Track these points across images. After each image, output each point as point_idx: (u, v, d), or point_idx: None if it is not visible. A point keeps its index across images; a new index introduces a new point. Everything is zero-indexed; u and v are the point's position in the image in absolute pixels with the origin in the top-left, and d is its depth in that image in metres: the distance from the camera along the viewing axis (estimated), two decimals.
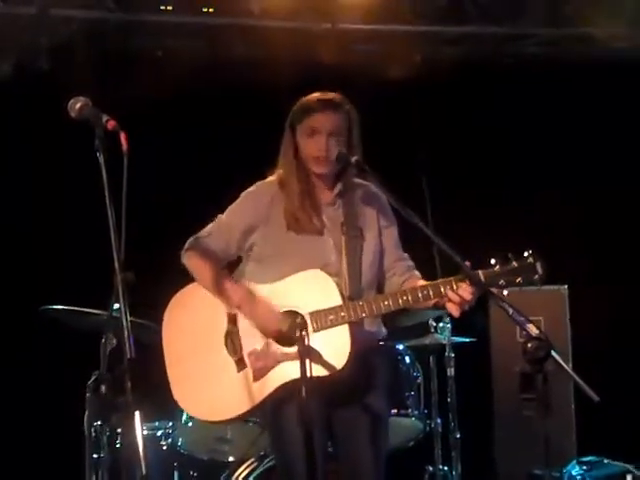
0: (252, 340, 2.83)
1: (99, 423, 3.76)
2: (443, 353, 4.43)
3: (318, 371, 2.69)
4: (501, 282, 2.72)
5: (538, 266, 2.71)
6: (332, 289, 2.78)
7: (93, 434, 3.66)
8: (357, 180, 2.98)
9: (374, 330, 2.93)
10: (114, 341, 3.85)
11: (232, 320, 2.88)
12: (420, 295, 2.74)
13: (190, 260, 2.94)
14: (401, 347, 3.96)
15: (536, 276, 2.72)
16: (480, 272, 2.71)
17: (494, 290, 2.70)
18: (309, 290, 2.80)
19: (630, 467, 4.37)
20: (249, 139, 4.94)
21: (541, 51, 5.43)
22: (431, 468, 4.39)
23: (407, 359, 3.92)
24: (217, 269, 2.91)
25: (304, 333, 2.59)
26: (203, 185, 4.90)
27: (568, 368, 2.72)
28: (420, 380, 4.00)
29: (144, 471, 1.95)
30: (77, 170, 4.72)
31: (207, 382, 2.86)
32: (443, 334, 4.33)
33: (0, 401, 4.69)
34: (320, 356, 2.71)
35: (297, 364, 2.68)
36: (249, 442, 3.75)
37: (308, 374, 2.60)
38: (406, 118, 5.14)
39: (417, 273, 3.01)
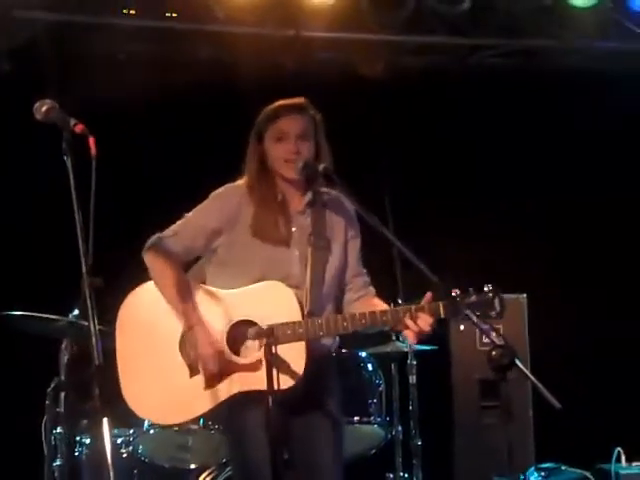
0: (195, 356, 2.80)
1: (58, 430, 3.71)
2: (404, 360, 4.45)
3: (274, 384, 2.66)
4: (459, 316, 2.74)
5: (496, 303, 2.75)
6: (292, 303, 2.77)
7: (52, 441, 3.61)
8: (325, 189, 2.97)
9: (329, 343, 2.93)
10: (74, 347, 3.84)
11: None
12: (379, 320, 2.75)
13: (152, 261, 2.88)
14: (364, 354, 3.97)
15: (493, 312, 2.75)
16: (440, 304, 2.72)
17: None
18: (269, 302, 2.78)
19: (587, 473, 4.45)
20: (214, 142, 4.94)
21: (502, 62, 5.51)
22: (392, 475, 4.40)
23: (369, 366, 3.94)
24: (178, 280, 2.85)
25: (271, 340, 2.56)
26: (165, 188, 4.86)
27: (530, 375, 2.75)
28: (382, 387, 4.01)
29: (111, 477, 1.92)
30: (40, 173, 4.70)
31: (158, 384, 2.82)
32: (405, 342, 4.34)
33: None
34: (276, 370, 2.67)
35: (249, 375, 2.71)
36: (210, 450, 3.74)
37: (266, 385, 2.59)
38: (368, 126, 5.16)
39: (372, 290, 3.01)
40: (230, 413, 2.82)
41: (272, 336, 2.60)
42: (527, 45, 5.41)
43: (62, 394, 3.74)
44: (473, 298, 2.73)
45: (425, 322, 2.71)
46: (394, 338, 4.42)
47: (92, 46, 5.07)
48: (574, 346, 5.17)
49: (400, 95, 5.25)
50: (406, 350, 4.39)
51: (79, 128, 2.25)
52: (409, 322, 2.71)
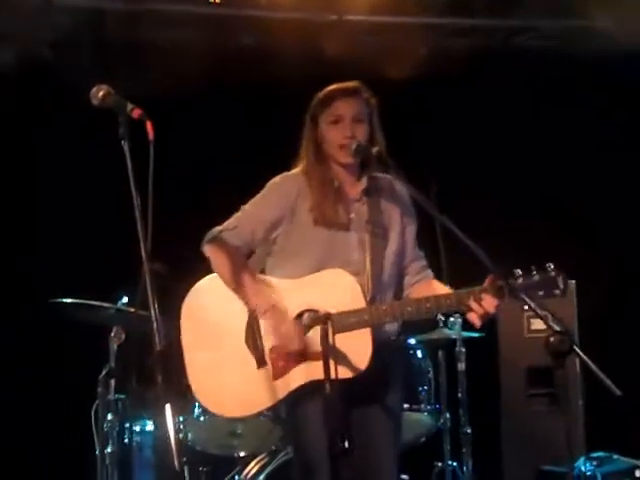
0: (273, 337, 2.79)
1: (109, 417, 3.73)
2: (451, 348, 4.40)
3: (341, 373, 2.63)
4: (523, 296, 2.67)
5: (560, 280, 2.71)
6: (356, 290, 2.75)
7: (104, 429, 3.62)
8: (380, 174, 2.95)
9: (391, 330, 2.91)
10: (122, 335, 3.86)
11: (253, 314, 2.83)
12: (443, 303, 2.73)
13: (213, 254, 2.87)
14: (413, 341, 3.93)
15: (557, 290, 2.71)
16: (504, 284, 2.67)
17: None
18: (332, 290, 2.76)
19: (639, 462, 4.35)
20: (258, 130, 4.91)
21: (542, 44, 5.38)
22: (440, 464, 4.37)
23: (419, 353, 3.90)
24: (241, 269, 2.84)
25: (328, 328, 2.53)
26: (218, 178, 4.86)
27: (590, 362, 2.69)
28: (431, 375, 3.97)
29: (177, 465, 1.90)
30: (86, 159, 4.73)
31: (226, 377, 2.82)
32: (453, 328, 4.30)
33: (8, 396, 4.63)
34: (341, 358, 2.66)
35: (318, 364, 2.63)
36: (261, 437, 3.73)
37: (332, 373, 2.55)
38: (411, 111, 5.11)
39: (430, 273, 3.01)
40: (294, 401, 2.80)
41: (328, 322, 2.56)
42: (569, 26, 5.29)
43: (112, 381, 3.76)
44: (536, 277, 2.69)
45: (490, 304, 2.68)
46: (441, 325, 4.39)
47: (134, 33, 5.07)
48: (624, 333, 5.07)
49: (443, 78, 5.17)
50: (454, 337, 4.35)
51: (136, 113, 2.22)
52: (474, 304, 2.69)
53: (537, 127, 5.28)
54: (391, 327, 2.90)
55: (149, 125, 2.20)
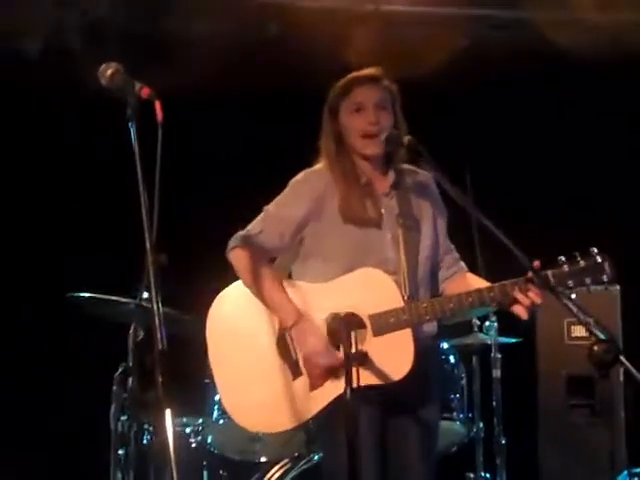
0: (306, 353, 2.62)
1: (126, 417, 3.59)
2: (486, 353, 4.20)
3: (377, 379, 2.51)
4: (569, 283, 2.55)
5: (606, 265, 2.57)
6: (392, 289, 2.59)
7: (120, 429, 3.49)
8: (406, 166, 2.79)
9: (430, 329, 2.73)
10: (141, 332, 3.71)
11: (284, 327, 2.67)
12: (486, 297, 2.57)
13: (239, 261, 2.70)
14: (446, 346, 3.73)
15: (604, 276, 2.57)
16: (549, 272, 2.53)
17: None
18: (367, 290, 2.60)
19: None
20: (285, 124, 4.75)
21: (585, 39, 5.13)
22: (472, 475, 4.16)
23: (452, 359, 3.70)
24: (267, 277, 2.67)
25: (353, 334, 2.35)
26: (237, 171, 4.70)
27: (636, 372, 2.48)
28: (464, 382, 3.77)
29: (174, 474, 1.74)
30: (103, 150, 4.61)
31: (260, 391, 2.65)
32: (489, 333, 4.09)
33: (24, 393, 4.54)
34: (381, 362, 2.52)
35: (359, 372, 2.47)
36: (283, 443, 3.57)
37: (363, 382, 2.42)
38: (450, 106, 4.92)
39: (464, 265, 2.87)
40: (326, 413, 2.63)
41: (351, 321, 2.38)
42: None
43: (129, 380, 3.62)
44: (581, 263, 2.54)
45: (536, 294, 2.53)
46: (476, 329, 4.18)
47: (156, 24, 4.95)
48: None
49: (483, 70, 4.96)
50: (489, 342, 4.14)
51: (145, 92, 2.07)
52: (519, 296, 2.53)
53: (572, 121, 5.04)
54: (429, 327, 2.73)
55: (158, 105, 2.05)
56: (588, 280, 2.54)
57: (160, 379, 1.75)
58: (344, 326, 2.40)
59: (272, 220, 2.71)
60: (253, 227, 2.72)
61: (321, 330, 2.61)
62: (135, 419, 3.53)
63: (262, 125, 4.86)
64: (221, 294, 2.74)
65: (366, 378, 2.51)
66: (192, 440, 3.82)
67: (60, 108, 4.67)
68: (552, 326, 4.60)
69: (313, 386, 2.60)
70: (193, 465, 3.78)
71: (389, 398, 2.58)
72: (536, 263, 2.51)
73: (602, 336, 2.46)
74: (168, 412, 1.76)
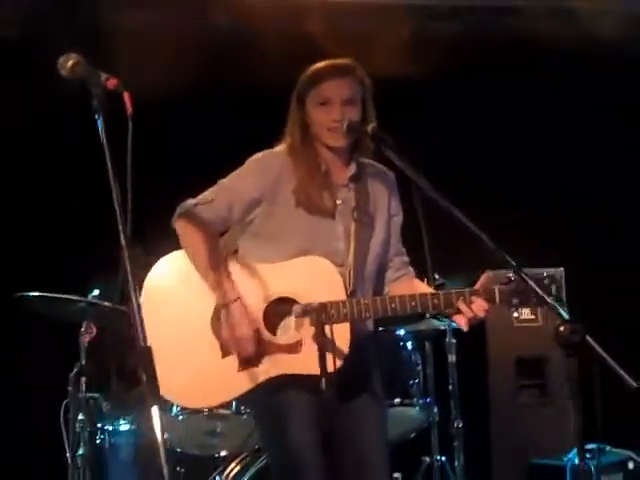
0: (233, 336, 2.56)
1: (80, 417, 3.52)
2: (439, 339, 4.24)
3: (310, 369, 2.45)
4: (515, 301, 2.57)
5: (553, 288, 2.55)
6: (337, 281, 2.56)
7: (78, 429, 3.41)
8: (366, 160, 2.76)
9: (369, 323, 2.73)
10: (94, 330, 3.64)
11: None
12: (430, 303, 2.54)
13: (183, 229, 2.63)
14: (402, 332, 3.76)
15: (550, 297, 2.52)
16: (496, 288, 2.54)
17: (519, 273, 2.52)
18: (312, 278, 2.55)
19: (632, 454, 4.24)
20: (234, 113, 4.70)
21: (540, 25, 5.18)
22: (428, 459, 4.21)
23: (409, 345, 3.72)
24: (212, 250, 2.61)
25: (323, 318, 2.34)
26: (194, 162, 4.63)
27: (603, 352, 2.54)
28: (420, 367, 3.81)
29: (165, 472, 1.70)
30: (45, 142, 4.48)
31: (187, 364, 2.57)
32: (442, 320, 4.13)
33: None
34: (313, 353, 2.45)
35: (287, 357, 2.51)
36: (242, 436, 3.52)
37: (317, 367, 2.38)
38: (395, 98, 4.92)
39: (411, 270, 2.83)
40: (269, 396, 2.60)
41: (324, 313, 2.37)
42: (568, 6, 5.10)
43: (83, 379, 3.55)
44: (531, 283, 2.49)
45: (480, 307, 2.51)
46: (429, 316, 4.22)
47: (101, 14, 4.83)
48: (613, 321, 4.95)
49: (427, 64, 4.98)
50: (442, 328, 4.18)
51: (112, 83, 2.00)
52: (462, 307, 2.51)
53: (529, 113, 5.11)
54: (367, 324, 2.71)
55: (127, 97, 1.98)
56: (533, 299, 2.54)
57: (145, 377, 1.70)
58: (316, 316, 2.37)
59: (224, 192, 2.66)
60: (204, 196, 2.66)
61: (255, 315, 2.56)
62: (118, 418, 3.46)
63: (216, 119, 4.79)
64: (159, 262, 2.65)
65: (296, 367, 2.51)
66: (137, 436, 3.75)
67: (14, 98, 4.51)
68: (500, 309, 4.66)
69: (241, 367, 2.56)
70: (150, 462, 3.72)
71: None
72: (484, 278, 2.53)
73: (567, 317, 2.50)
74: (155, 409, 1.72)
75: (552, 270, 4.71)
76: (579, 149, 5.09)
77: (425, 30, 5.05)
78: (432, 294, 2.56)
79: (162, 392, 2.51)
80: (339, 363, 2.49)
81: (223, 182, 2.69)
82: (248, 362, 2.56)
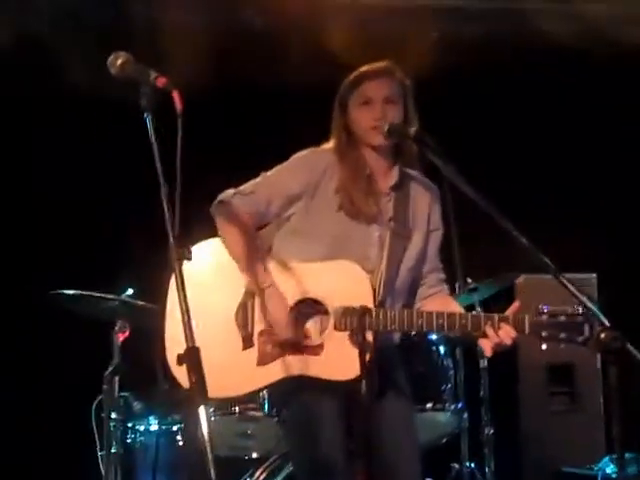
0: (266, 320, 2.56)
1: (113, 416, 3.53)
2: (471, 344, 4.20)
3: (326, 373, 2.47)
4: (544, 334, 2.52)
5: (586, 328, 2.52)
6: (366, 288, 2.53)
7: (112, 427, 3.42)
8: (412, 171, 2.75)
9: (394, 339, 2.71)
10: (127, 329, 3.65)
11: (250, 291, 2.60)
12: (457, 323, 2.50)
13: (222, 218, 2.63)
14: (434, 337, 3.73)
15: (581, 337, 2.52)
16: (526, 317, 2.50)
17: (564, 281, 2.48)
18: (341, 282, 2.54)
19: None
20: (265, 114, 4.71)
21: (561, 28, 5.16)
22: (457, 466, 4.17)
23: (441, 349, 3.69)
24: (249, 240, 2.61)
25: (365, 321, 2.32)
26: (222, 163, 4.63)
27: None
28: (452, 373, 3.78)
29: (212, 475, 1.69)
30: (83, 145, 4.51)
31: (206, 353, 2.54)
32: None
33: (6, 393, 4.42)
34: (333, 358, 2.47)
35: (307, 359, 2.49)
36: (273, 438, 3.52)
37: (311, 372, 2.41)
38: (424, 101, 4.91)
39: (446, 288, 2.80)
40: (295, 398, 2.58)
41: (366, 317, 2.35)
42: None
43: (116, 378, 3.55)
44: (562, 318, 2.51)
45: (507, 334, 2.48)
46: None
47: (129, 13, 4.85)
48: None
49: (456, 65, 4.96)
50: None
51: (161, 82, 2.01)
52: (489, 331, 2.48)
53: (556, 114, 5.08)
54: (393, 336, 2.70)
55: (176, 95, 1.98)
56: (563, 335, 2.50)
57: (192, 377, 1.70)
58: (358, 319, 2.36)
59: (266, 185, 2.65)
60: (245, 187, 2.66)
61: (287, 303, 2.55)
62: (163, 419, 3.46)
63: (245, 120, 4.80)
64: (197, 245, 2.64)
65: (315, 370, 2.50)
66: (179, 438, 3.76)
67: (42, 99, 4.54)
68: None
69: (260, 362, 2.55)
70: (181, 463, 3.73)
71: (352, 390, 2.48)
72: (515, 305, 2.50)
73: (607, 323, 2.47)
74: (202, 409, 1.72)
75: (584, 275, 4.73)
76: (611, 152, 5.06)
77: (450, 32, 5.05)
78: (460, 315, 2.53)
79: (177, 377, 2.48)
80: (352, 375, 2.44)
81: (266, 175, 2.69)
82: (268, 357, 2.54)
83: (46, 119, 4.58)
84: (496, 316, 2.49)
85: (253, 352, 2.55)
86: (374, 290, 2.55)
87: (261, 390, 2.62)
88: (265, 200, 2.64)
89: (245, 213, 2.62)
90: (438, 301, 2.71)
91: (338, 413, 2.55)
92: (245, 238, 2.61)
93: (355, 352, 2.41)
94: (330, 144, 2.72)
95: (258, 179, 2.68)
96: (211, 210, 2.67)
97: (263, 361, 2.55)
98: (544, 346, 2.55)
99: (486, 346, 2.52)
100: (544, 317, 2.51)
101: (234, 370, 2.55)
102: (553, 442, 4.53)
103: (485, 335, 2.50)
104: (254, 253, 2.60)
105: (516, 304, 2.53)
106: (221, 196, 2.67)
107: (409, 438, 2.69)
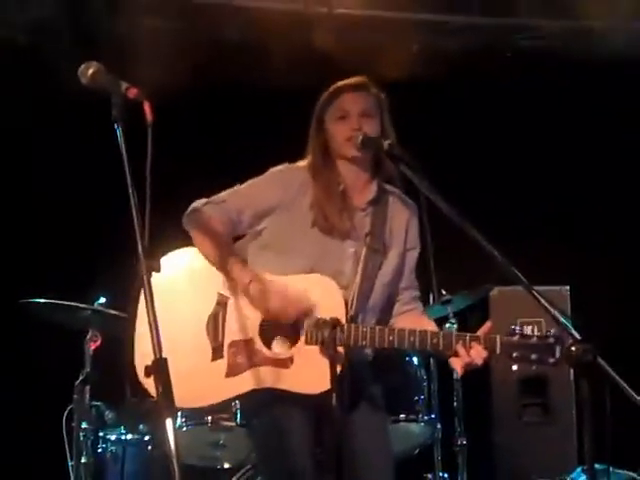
0: (237, 331, 2.55)
1: (84, 426, 3.50)
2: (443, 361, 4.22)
3: (301, 387, 2.46)
4: (515, 354, 2.50)
5: (557, 350, 2.52)
6: (339, 303, 2.52)
7: (82, 437, 3.39)
8: (391, 188, 2.75)
9: (367, 352, 2.69)
10: (99, 338, 3.63)
11: (222, 302, 2.59)
12: (428, 341, 2.49)
13: (195, 226, 2.63)
14: None
15: (552, 359, 2.51)
16: (497, 337, 2.50)
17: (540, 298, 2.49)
18: (314, 297, 2.53)
19: (636, 475, 4.21)
20: (239, 124, 4.71)
21: (543, 44, 5.23)
22: (430, 476, 4.18)
23: (415, 360, 3.70)
24: (227, 242, 2.62)
25: (335, 334, 2.32)
26: (199, 173, 4.62)
27: (613, 373, 2.53)
28: (426, 383, 3.79)
29: None
30: (51, 151, 4.48)
31: (176, 363, 2.52)
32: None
33: None
34: (302, 371, 2.46)
35: (276, 372, 2.49)
36: (246, 448, 3.50)
37: (281, 385, 2.41)
38: (400, 112, 4.92)
39: (420, 306, 2.81)
40: (265, 410, 2.56)
41: (337, 329, 2.35)
42: (567, 27, 5.15)
43: (87, 387, 3.53)
44: (534, 340, 2.50)
45: (478, 354, 2.47)
46: None
47: (111, 20, 4.84)
48: (620, 339, 4.94)
49: (434, 78, 4.99)
50: None
51: (132, 92, 2.00)
52: (461, 350, 2.47)
53: (532, 129, 5.13)
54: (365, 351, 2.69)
55: (147, 106, 1.98)
56: (534, 357, 2.49)
57: (160, 389, 1.69)
58: (329, 331, 2.36)
59: (238, 195, 2.66)
60: (217, 197, 2.67)
61: (251, 323, 2.55)
62: (131, 429, 3.43)
63: (224, 129, 4.80)
64: (164, 257, 2.63)
65: (285, 383, 2.49)
66: (150, 447, 3.73)
67: (23, 104, 4.51)
68: (504, 326, 4.65)
69: (229, 373, 2.54)
70: (152, 474, 3.70)
71: (320, 406, 2.48)
72: (486, 326, 2.50)
73: (578, 337, 2.49)
74: (169, 421, 1.71)
75: (557, 288, 4.76)
76: (584, 166, 5.11)
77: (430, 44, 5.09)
78: (432, 333, 2.51)
79: (145, 384, 2.45)
80: (322, 389, 2.42)
81: (239, 187, 2.69)
82: (236, 369, 2.53)
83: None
84: (467, 335, 2.49)
85: (222, 363, 2.55)
86: (346, 304, 2.54)
87: (230, 401, 2.61)
88: (236, 209, 2.64)
89: (217, 221, 2.62)
90: (411, 318, 2.71)
91: (308, 423, 2.54)
92: (220, 241, 2.60)
93: (325, 366, 2.39)
94: (305, 162, 2.72)
95: (231, 190, 2.69)
96: (183, 219, 2.66)
97: (232, 372, 2.54)
98: (515, 367, 2.54)
99: (457, 365, 2.51)
100: (515, 338, 2.50)
101: (203, 380, 2.54)
102: (526, 453, 4.55)
103: (457, 354, 2.49)
104: (231, 253, 2.59)
105: (488, 324, 2.53)
106: (193, 205, 2.67)
107: (381, 453, 2.68)
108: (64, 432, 3.66)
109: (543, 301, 2.49)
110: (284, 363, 2.51)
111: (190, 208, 2.67)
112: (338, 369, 2.41)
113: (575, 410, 4.65)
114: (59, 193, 4.56)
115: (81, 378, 3.45)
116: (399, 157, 2.55)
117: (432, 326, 2.64)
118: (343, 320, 2.49)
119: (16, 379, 4.44)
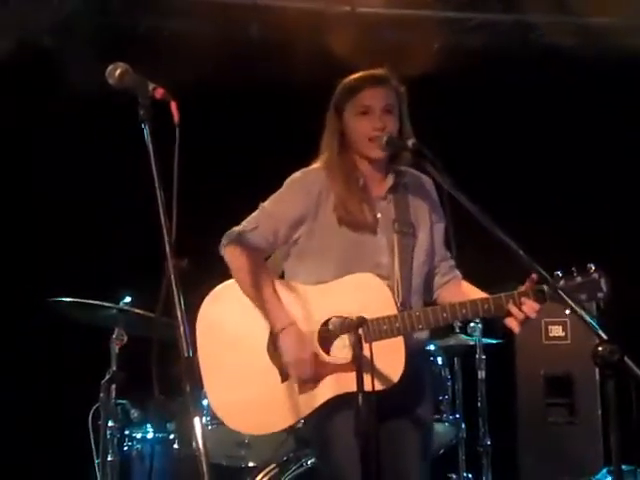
0: (286, 360, 2.58)
1: (110, 424, 3.52)
2: (467, 355, 4.21)
3: (367, 385, 2.43)
4: (565, 299, 2.45)
5: (603, 283, 2.52)
6: (386, 296, 2.55)
7: (108, 435, 3.41)
8: (405, 168, 2.74)
9: (423, 336, 2.71)
10: (124, 337, 3.64)
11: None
12: (480, 308, 2.52)
13: (232, 258, 2.65)
14: (432, 347, 3.72)
15: (600, 294, 2.52)
16: (545, 287, 2.49)
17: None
18: (360, 296, 2.55)
19: None
20: (263, 124, 4.71)
21: (562, 41, 5.18)
22: (454, 476, 4.17)
23: (439, 360, 3.69)
24: (261, 276, 2.62)
25: (360, 333, 2.33)
26: (226, 172, 4.64)
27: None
28: (450, 383, 3.77)
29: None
30: (83, 153, 4.52)
31: (248, 391, 2.60)
32: (473, 335, 4.10)
33: (5, 400, 4.41)
34: (373, 369, 2.45)
35: (348, 376, 2.46)
36: (271, 448, 3.51)
37: (352, 387, 2.38)
38: (423, 109, 4.91)
39: (458, 273, 2.82)
40: (319, 416, 2.59)
41: (363, 326, 2.35)
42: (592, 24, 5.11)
43: (113, 386, 3.55)
44: (578, 279, 2.50)
45: (531, 308, 2.49)
46: (457, 330, 4.19)
47: (135, 22, 4.87)
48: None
49: (456, 76, 4.97)
50: (471, 343, 4.16)
51: (159, 93, 2.01)
52: (513, 309, 2.49)
53: (554, 125, 5.10)
54: (421, 334, 2.69)
55: (174, 106, 1.99)
56: (584, 296, 2.49)
57: (188, 388, 1.70)
58: (354, 330, 2.37)
59: (267, 217, 2.66)
60: (248, 223, 2.67)
61: (309, 337, 2.57)
62: (157, 428, 3.45)
63: (247, 128, 4.81)
64: (212, 292, 2.69)
65: (352, 385, 2.45)
66: (176, 446, 3.75)
67: (45, 106, 4.54)
68: (530, 326, 4.59)
69: (302, 389, 2.57)
70: (179, 472, 3.72)
71: (383, 403, 2.49)
72: (532, 278, 2.49)
73: (605, 337, 2.46)
74: (197, 420, 1.71)
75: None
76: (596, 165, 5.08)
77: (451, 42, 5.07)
78: (482, 300, 2.55)
79: (227, 422, 2.64)
80: (395, 378, 2.50)
81: (264, 207, 2.69)
82: (307, 385, 2.56)
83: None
84: (516, 292, 2.51)
85: (292, 382, 2.58)
86: (394, 295, 2.56)
87: (308, 417, 2.59)
88: (271, 231, 2.65)
89: (254, 248, 2.64)
90: (454, 287, 2.75)
91: (354, 429, 2.48)
92: (259, 278, 2.61)
93: (388, 358, 2.46)
94: (319, 161, 2.71)
95: (258, 212, 2.69)
96: (220, 250, 2.68)
97: (304, 388, 2.57)
98: (567, 311, 2.51)
99: (512, 324, 2.54)
100: (561, 282, 2.50)
101: (279, 403, 2.58)
102: (550, 453, 4.52)
103: (510, 314, 2.51)
104: (269, 292, 2.61)
105: (533, 276, 2.50)
106: (226, 237, 2.67)
107: (418, 452, 2.69)
108: (90, 430, 3.68)
109: (569, 300, 2.48)
110: (349, 367, 2.49)
111: (225, 239, 2.67)
112: (402, 362, 2.47)
113: (601, 410, 4.63)
114: (87, 189, 4.58)
115: (107, 377, 3.46)
116: (425, 156, 2.54)
117: (476, 291, 2.69)
118: (395, 311, 2.52)
119: (43, 378, 4.48)
